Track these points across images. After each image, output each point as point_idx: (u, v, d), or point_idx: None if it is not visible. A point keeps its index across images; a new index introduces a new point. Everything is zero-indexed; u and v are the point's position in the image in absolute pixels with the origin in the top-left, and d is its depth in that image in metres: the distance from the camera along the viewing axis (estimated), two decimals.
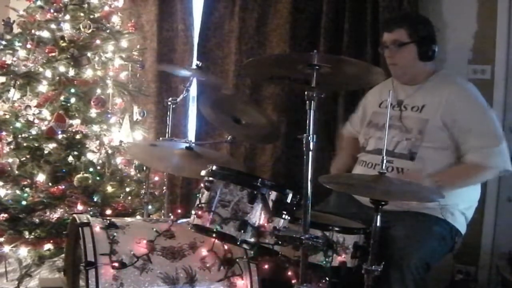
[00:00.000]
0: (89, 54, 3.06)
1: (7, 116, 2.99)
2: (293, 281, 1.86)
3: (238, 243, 1.81)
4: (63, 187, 2.87)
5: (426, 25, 2.36)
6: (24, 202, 2.82)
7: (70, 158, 2.99)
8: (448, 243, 2.23)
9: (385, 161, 1.75)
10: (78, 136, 3.02)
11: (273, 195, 1.83)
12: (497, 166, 2.21)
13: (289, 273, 1.94)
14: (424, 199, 2.00)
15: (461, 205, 2.27)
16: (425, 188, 1.99)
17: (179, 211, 2.20)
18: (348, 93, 3.05)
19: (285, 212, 1.82)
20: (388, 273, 1.93)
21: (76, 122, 3.06)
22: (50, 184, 2.90)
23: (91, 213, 2.10)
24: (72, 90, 3.01)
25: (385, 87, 2.45)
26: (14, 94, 3.00)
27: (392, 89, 2.38)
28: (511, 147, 2.77)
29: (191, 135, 3.65)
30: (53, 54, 3.01)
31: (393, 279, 1.97)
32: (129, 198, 3.11)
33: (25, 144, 2.97)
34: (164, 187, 2.95)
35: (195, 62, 3.34)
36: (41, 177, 2.92)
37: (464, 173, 2.24)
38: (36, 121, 3.01)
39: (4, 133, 2.98)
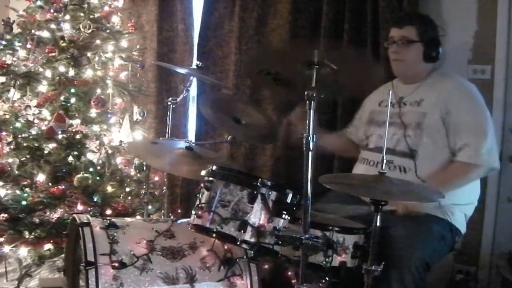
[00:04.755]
0: (89, 54, 3.06)
1: (7, 116, 2.99)
2: (293, 281, 1.85)
3: (238, 243, 1.81)
4: (63, 187, 2.87)
5: (434, 27, 2.40)
6: (24, 202, 2.82)
7: (70, 158, 2.99)
8: (448, 242, 2.22)
9: (385, 161, 1.76)
10: (78, 136, 3.02)
11: (273, 195, 1.83)
12: (483, 164, 2.20)
13: (289, 273, 1.94)
14: (424, 199, 1.99)
15: (461, 204, 2.27)
16: (425, 188, 1.99)
17: (179, 211, 2.20)
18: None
19: (285, 212, 1.82)
20: (388, 273, 1.93)
21: (76, 122, 3.06)
22: (50, 184, 2.90)
23: (91, 213, 2.10)
24: (72, 90, 3.01)
25: (386, 88, 2.48)
26: (14, 94, 3.00)
27: (393, 89, 2.41)
28: (511, 147, 2.80)
29: (191, 135, 3.65)
30: (53, 54, 3.01)
31: (393, 279, 1.97)
32: (129, 198, 3.11)
33: (25, 144, 2.97)
34: (164, 187, 2.95)
35: (195, 62, 3.33)
36: (41, 177, 2.92)
37: (454, 174, 2.23)
38: (36, 121, 3.01)
39: (4, 133, 2.98)
